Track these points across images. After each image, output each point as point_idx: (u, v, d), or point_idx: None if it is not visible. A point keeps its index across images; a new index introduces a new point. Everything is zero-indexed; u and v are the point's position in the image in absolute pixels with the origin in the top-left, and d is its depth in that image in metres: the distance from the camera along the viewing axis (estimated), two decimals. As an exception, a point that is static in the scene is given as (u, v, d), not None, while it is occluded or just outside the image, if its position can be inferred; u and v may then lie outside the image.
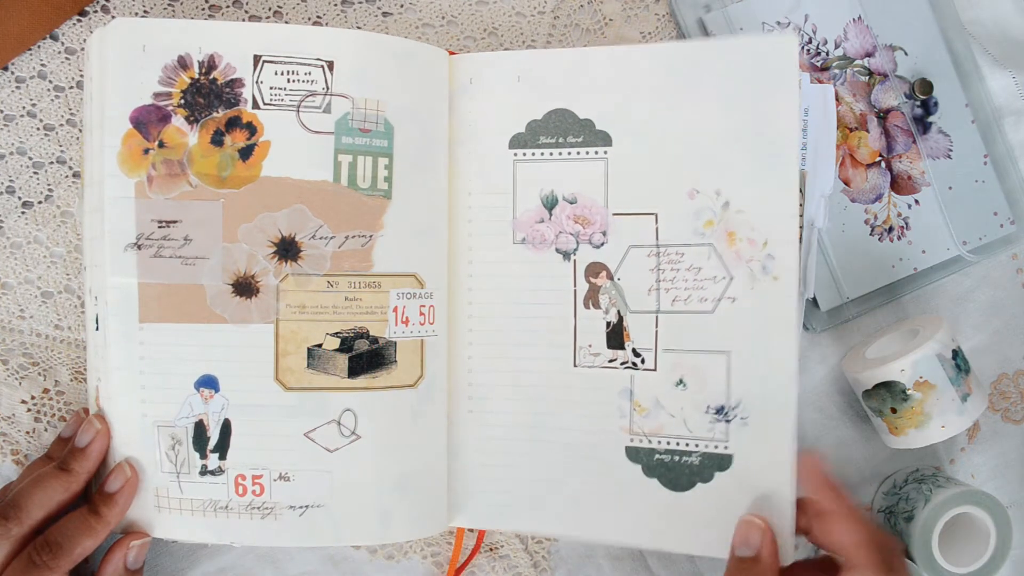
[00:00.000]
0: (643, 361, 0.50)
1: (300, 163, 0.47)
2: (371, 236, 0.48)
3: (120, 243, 0.47)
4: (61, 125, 0.54)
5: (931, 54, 0.59)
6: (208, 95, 0.47)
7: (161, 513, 0.47)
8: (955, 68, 0.59)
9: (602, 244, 0.51)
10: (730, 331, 0.48)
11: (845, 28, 0.58)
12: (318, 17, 0.56)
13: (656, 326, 0.50)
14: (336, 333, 0.48)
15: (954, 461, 0.61)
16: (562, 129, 0.51)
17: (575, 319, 0.51)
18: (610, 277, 0.51)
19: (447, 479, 0.51)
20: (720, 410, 0.49)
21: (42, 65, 0.54)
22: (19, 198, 0.54)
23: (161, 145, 0.47)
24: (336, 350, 0.48)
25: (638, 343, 0.50)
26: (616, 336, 0.51)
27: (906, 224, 0.58)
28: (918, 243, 0.58)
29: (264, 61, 0.47)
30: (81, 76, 0.54)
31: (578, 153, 0.51)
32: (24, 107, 0.54)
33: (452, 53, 0.52)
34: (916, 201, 0.58)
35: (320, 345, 0.48)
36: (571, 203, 0.51)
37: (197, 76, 0.47)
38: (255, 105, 0.47)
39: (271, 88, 0.47)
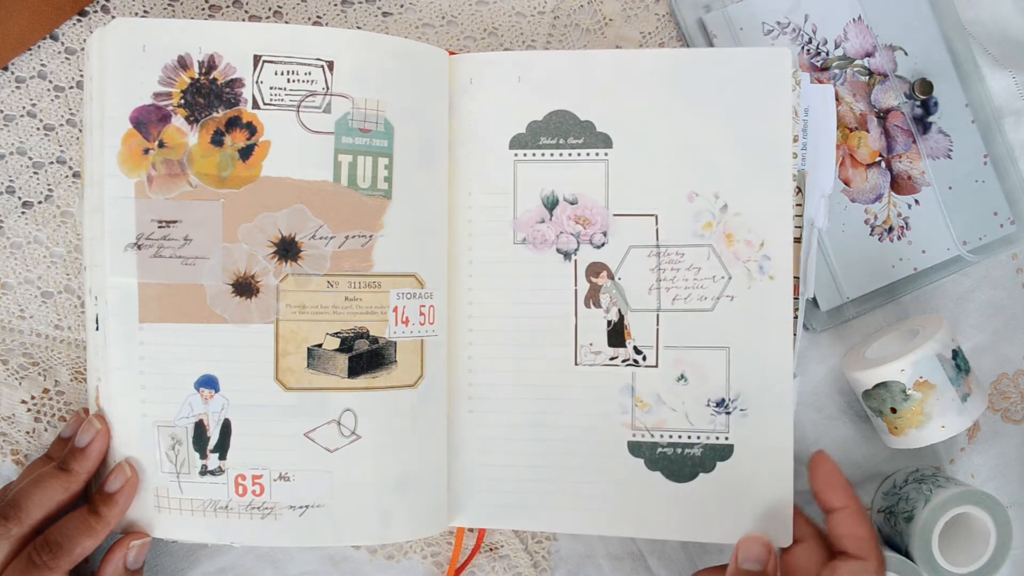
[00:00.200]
0: (644, 358, 0.51)
1: (300, 163, 0.47)
2: (371, 236, 0.48)
3: (120, 243, 0.47)
4: (61, 125, 0.54)
5: (931, 54, 0.59)
6: (208, 95, 0.47)
7: (161, 513, 0.47)
8: (955, 68, 0.59)
9: (603, 244, 0.51)
10: (729, 328, 0.50)
11: (845, 28, 0.58)
12: (318, 17, 0.56)
13: (657, 324, 0.51)
14: (336, 333, 0.48)
15: (954, 461, 0.61)
16: (563, 130, 0.51)
17: (576, 318, 0.51)
18: (611, 277, 0.51)
19: (447, 479, 0.51)
20: (720, 403, 0.50)
21: (42, 65, 0.54)
22: (19, 198, 0.54)
23: (161, 145, 0.47)
24: (336, 350, 0.48)
25: (639, 341, 0.51)
26: (617, 334, 0.51)
27: (906, 224, 0.58)
28: (918, 243, 0.58)
29: (264, 61, 0.47)
30: (81, 76, 0.54)
31: (579, 154, 0.51)
32: (24, 107, 0.54)
33: (452, 53, 0.52)
34: (916, 201, 0.58)
35: (320, 345, 0.48)
36: (572, 204, 0.51)
37: (197, 76, 0.47)
38: (255, 105, 0.47)
39: (271, 88, 0.47)
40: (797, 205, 0.52)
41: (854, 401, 0.59)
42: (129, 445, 0.47)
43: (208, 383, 0.47)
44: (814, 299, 0.58)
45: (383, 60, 0.48)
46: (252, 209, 0.47)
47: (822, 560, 0.47)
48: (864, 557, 0.46)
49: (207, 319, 0.47)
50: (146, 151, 0.47)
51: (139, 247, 0.47)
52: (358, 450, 0.48)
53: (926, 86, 0.57)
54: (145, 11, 0.55)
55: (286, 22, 0.56)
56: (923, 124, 0.59)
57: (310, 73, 0.47)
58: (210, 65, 0.47)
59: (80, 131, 0.54)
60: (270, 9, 0.56)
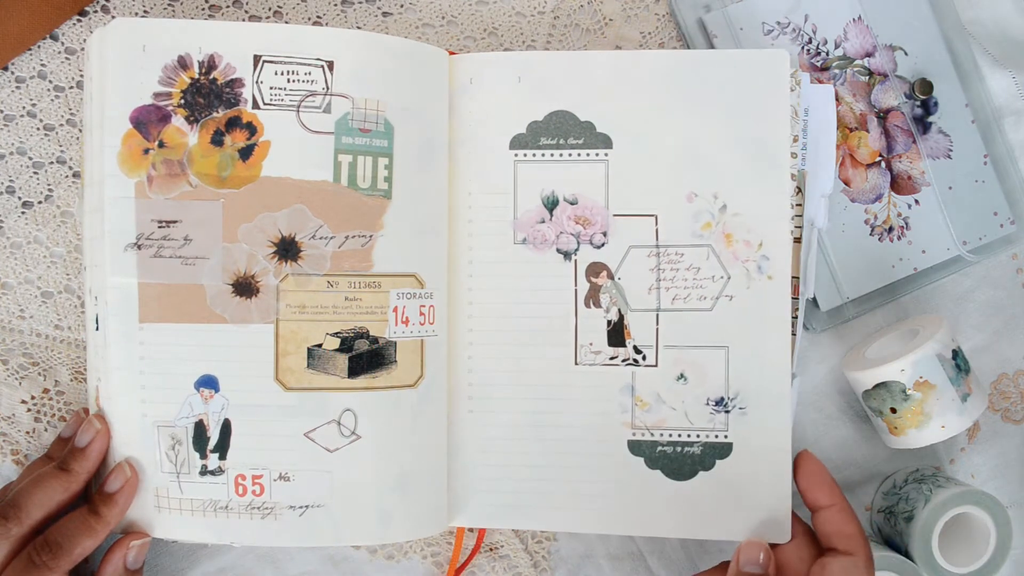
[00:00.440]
0: (644, 358, 0.51)
1: (300, 163, 0.47)
2: (371, 236, 0.48)
3: (120, 243, 0.47)
4: (61, 125, 0.54)
5: (931, 54, 0.59)
6: (208, 95, 0.47)
7: (161, 513, 0.47)
8: (955, 68, 0.59)
9: (603, 244, 0.51)
10: (728, 327, 0.51)
11: (845, 28, 0.58)
12: (318, 17, 0.56)
13: (657, 324, 0.51)
14: (336, 333, 0.48)
15: (954, 461, 0.61)
16: (563, 131, 0.51)
17: (576, 318, 0.51)
18: (611, 277, 0.51)
19: (447, 479, 0.51)
20: (720, 402, 0.51)
21: (42, 65, 0.54)
22: (19, 198, 0.54)
23: (161, 145, 0.47)
24: (336, 350, 0.48)
25: (639, 340, 0.51)
26: (617, 334, 0.51)
27: (906, 224, 0.58)
28: (918, 243, 0.58)
29: (264, 61, 0.47)
30: (81, 76, 0.54)
31: (579, 155, 0.51)
32: (24, 107, 0.54)
33: (452, 53, 0.52)
34: (916, 201, 0.58)
35: (320, 345, 0.48)
36: (572, 204, 0.51)
37: (197, 76, 0.47)
38: (255, 105, 0.47)
39: (271, 88, 0.47)
40: (797, 205, 0.52)
41: (854, 401, 0.59)
42: (129, 445, 0.47)
43: (208, 383, 0.47)
44: (814, 299, 0.58)
45: (383, 60, 0.48)
46: (252, 209, 0.47)
47: (811, 557, 0.48)
48: (853, 552, 0.46)
49: (207, 319, 0.47)
50: (146, 151, 0.47)
51: (139, 247, 0.47)
52: (358, 450, 0.48)
53: (926, 86, 0.57)
54: (145, 11, 0.55)
55: (286, 22, 0.56)
56: (923, 124, 0.59)
57: (310, 73, 0.47)
58: (210, 65, 0.47)
59: (80, 131, 0.54)
60: (270, 9, 0.56)
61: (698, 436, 0.51)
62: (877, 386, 0.54)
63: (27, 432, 0.53)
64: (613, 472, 0.51)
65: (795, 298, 0.52)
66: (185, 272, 0.47)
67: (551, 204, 0.51)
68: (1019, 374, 0.61)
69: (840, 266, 0.58)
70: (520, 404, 0.51)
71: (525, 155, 0.51)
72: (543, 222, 0.51)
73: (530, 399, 0.51)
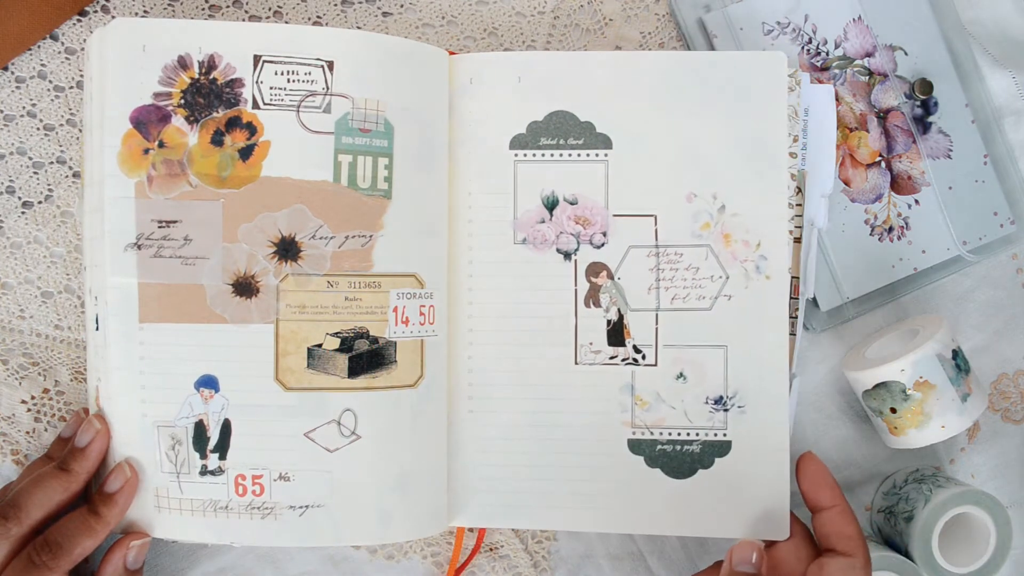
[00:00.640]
0: (644, 357, 0.51)
1: (300, 163, 0.47)
2: (371, 236, 0.48)
3: (120, 243, 0.47)
4: (61, 125, 0.54)
5: (931, 54, 0.59)
6: (208, 95, 0.47)
7: (161, 513, 0.47)
8: (955, 68, 0.59)
9: (602, 244, 0.51)
10: (727, 326, 0.51)
11: (845, 28, 0.58)
12: (318, 17, 0.56)
13: (656, 323, 0.51)
14: (336, 333, 0.48)
15: (954, 461, 0.61)
16: (563, 131, 0.51)
17: (576, 318, 0.51)
18: (610, 276, 0.51)
19: (447, 479, 0.51)
20: (719, 400, 0.51)
21: (42, 65, 0.54)
22: (19, 198, 0.54)
23: (161, 145, 0.47)
24: (336, 350, 0.48)
25: (639, 340, 0.51)
26: (617, 334, 0.51)
27: (906, 224, 0.58)
28: (918, 243, 0.58)
29: (264, 61, 0.47)
30: (81, 76, 0.54)
31: (579, 155, 0.51)
32: (24, 107, 0.54)
33: (452, 53, 0.52)
34: (916, 201, 0.58)
35: (320, 345, 0.48)
36: (572, 204, 0.51)
37: (197, 76, 0.47)
38: (255, 105, 0.47)
39: (271, 88, 0.47)
40: (797, 205, 0.52)
41: (854, 401, 0.59)
42: (129, 445, 0.47)
43: (208, 383, 0.47)
44: (814, 299, 0.58)
45: (383, 60, 0.48)
46: (252, 209, 0.47)
47: (809, 557, 0.48)
48: (852, 554, 0.47)
49: (207, 319, 0.47)
50: (146, 151, 0.47)
51: (139, 247, 0.47)
52: (358, 450, 0.48)
53: (926, 86, 0.57)
54: (145, 11, 0.55)
55: (286, 22, 0.56)
56: (923, 124, 0.59)
57: (310, 73, 0.47)
58: (210, 65, 0.47)
59: (80, 131, 0.54)
60: (270, 9, 0.56)
61: (697, 435, 0.51)
62: (877, 386, 0.54)
63: (27, 432, 0.53)
64: (613, 471, 0.51)
65: (795, 298, 0.52)
66: (185, 272, 0.47)
67: (551, 204, 0.51)
68: (1019, 374, 0.61)
69: (840, 266, 0.58)
70: (520, 404, 0.51)
71: (525, 155, 0.51)
72: (543, 222, 0.52)
73: (530, 399, 0.51)
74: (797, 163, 0.52)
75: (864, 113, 0.58)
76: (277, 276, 0.47)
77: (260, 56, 0.47)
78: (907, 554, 0.55)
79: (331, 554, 0.56)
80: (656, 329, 0.51)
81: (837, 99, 0.57)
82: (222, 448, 0.47)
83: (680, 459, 0.51)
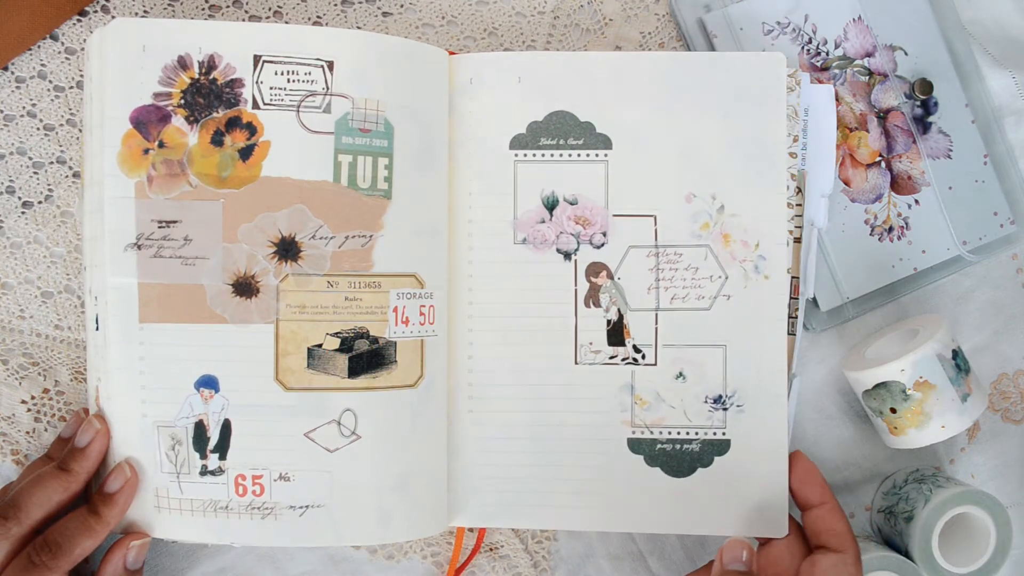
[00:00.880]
0: (644, 357, 0.51)
1: (300, 163, 0.47)
2: (371, 236, 0.48)
3: (120, 243, 0.47)
4: (61, 125, 0.54)
5: (931, 54, 0.59)
6: (208, 95, 0.47)
7: (161, 513, 0.47)
8: (955, 68, 0.59)
9: (602, 244, 0.51)
10: (726, 326, 0.51)
11: (845, 28, 0.58)
12: (318, 17, 0.56)
13: (656, 323, 0.51)
14: (336, 333, 0.48)
15: (954, 461, 0.61)
16: (563, 131, 0.51)
17: (576, 318, 0.51)
18: (610, 276, 0.51)
19: (447, 479, 0.51)
20: (718, 399, 0.51)
21: (42, 65, 0.54)
22: (19, 198, 0.54)
23: (161, 145, 0.47)
24: (336, 350, 0.48)
25: (638, 339, 0.51)
26: (617, 333, 0.51)
27: (906, 224, 0.58)
28: (918, 243, 0.58)
29: (264, 61, 0.47)
30: (81, 76, 0.54)
31: (579, 155, 0.51)
32: (24, 107, 0.54)
33: (452, 53, 0.52)
34: (916, 201, 0.58)
35: (320, 345, 0.48)
36: (572, 204, 0.51)
37: (197, 76, 0.47)
38: (255, 105, 0.47)
39: (271, 88, 0.47)
40: (797, 205, 0.52)
41: (854, 401, 0.59)
42: (129, 445, 0.47)
43: (208, 383, 0.47)
44: (814, 299, 0.58)
45: (383, 60, 0.48)
46: (252, 209, 0.47)
47: (801, 554, 0.49)
48: (843, 550, 0.47)
49: (207, 319, 0.47)
50: (146, 151, 0.47)
51: (139, 247, 0.47)
52: (358, 450, 0.48)
53: (926, 86, 0.57)
54: (145, 11, 0.55)
55: (286, 22, 0.56)
56: (923, 124, 0.59)
57: (310, 73, 0.47)
58: (210, 65, 0.47)
59: (80, 131, 0.54)
60: (270, 9, 0.56)
61: (697, 434, 0.51)
62: (877, 386, 0.54)
63: (27, 432, 0.53)
64: (613, 470, 0.51)
65: (795, 298, 0.52)
66: (185, 272, 0.47)
67: (551, 204, 0.52)
68: (1019, 374, 0.61)
69: (840, 266, 0.58)
70: (520, 404, 0.52)
71: (525, 155, 0.52)
72: (543, 222, 0.52)
73: (530, 399, 0.51)
74: (797, 163, 0.52)
75: (864, 113, 0.58)
76: (277, 276, 0.47)
77: (260, 56, 0.47)
78: (907, 554, 0.55)
79: (331, 554, 0.56)
80: (656, 329, 0.51)
81: (837, 99, 0.57)
82: (222, 448, 0.47)
83: (680, 458, 0.51)
